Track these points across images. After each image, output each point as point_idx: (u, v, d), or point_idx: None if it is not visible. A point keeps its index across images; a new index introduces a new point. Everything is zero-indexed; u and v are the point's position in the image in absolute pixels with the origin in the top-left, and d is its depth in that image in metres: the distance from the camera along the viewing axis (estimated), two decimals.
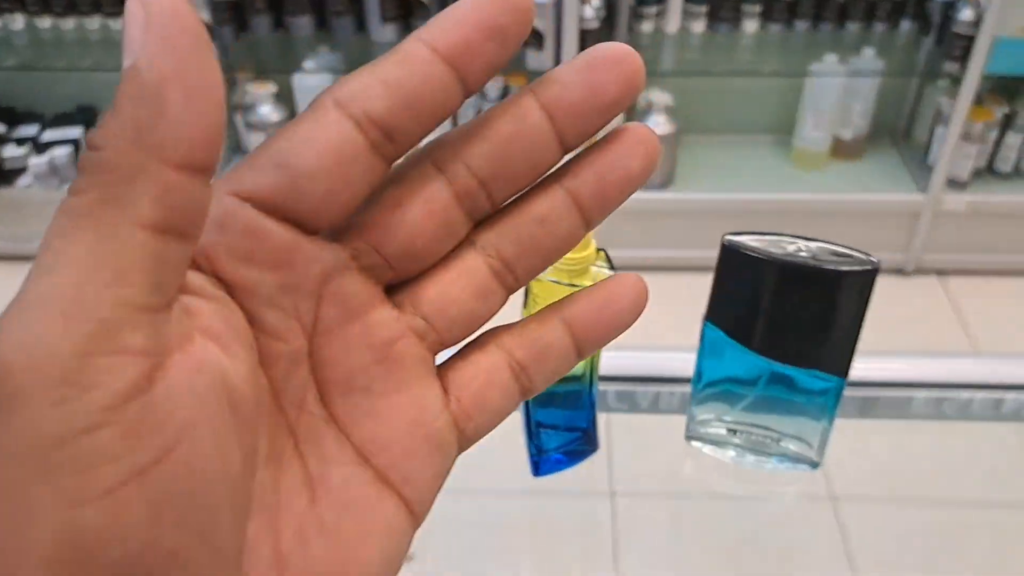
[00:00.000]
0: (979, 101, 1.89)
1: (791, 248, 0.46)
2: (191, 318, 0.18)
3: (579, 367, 0.53)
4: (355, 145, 0.19)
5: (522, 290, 0.47)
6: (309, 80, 1.93)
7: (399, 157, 0.20)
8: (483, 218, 0.21)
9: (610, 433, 0.59)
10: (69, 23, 1.97)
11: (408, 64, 0.19)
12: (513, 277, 0.22)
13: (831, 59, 1.89)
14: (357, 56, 1.99)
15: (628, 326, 0.23)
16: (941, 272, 2.02)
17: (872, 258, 0.46)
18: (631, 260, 1.65)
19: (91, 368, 0.15)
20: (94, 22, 1.96)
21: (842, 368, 0.49)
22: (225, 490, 0.17)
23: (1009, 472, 0.61)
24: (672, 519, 0.58)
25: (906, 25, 1.96)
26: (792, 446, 0.54)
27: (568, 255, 0.45)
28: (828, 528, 0.56)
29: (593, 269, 0.47)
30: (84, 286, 0.15)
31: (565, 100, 0.20)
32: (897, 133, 2.11)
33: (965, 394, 0.65)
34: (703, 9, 1.93)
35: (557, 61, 1.81)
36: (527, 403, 0.54)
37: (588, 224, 0.22)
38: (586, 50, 0.20)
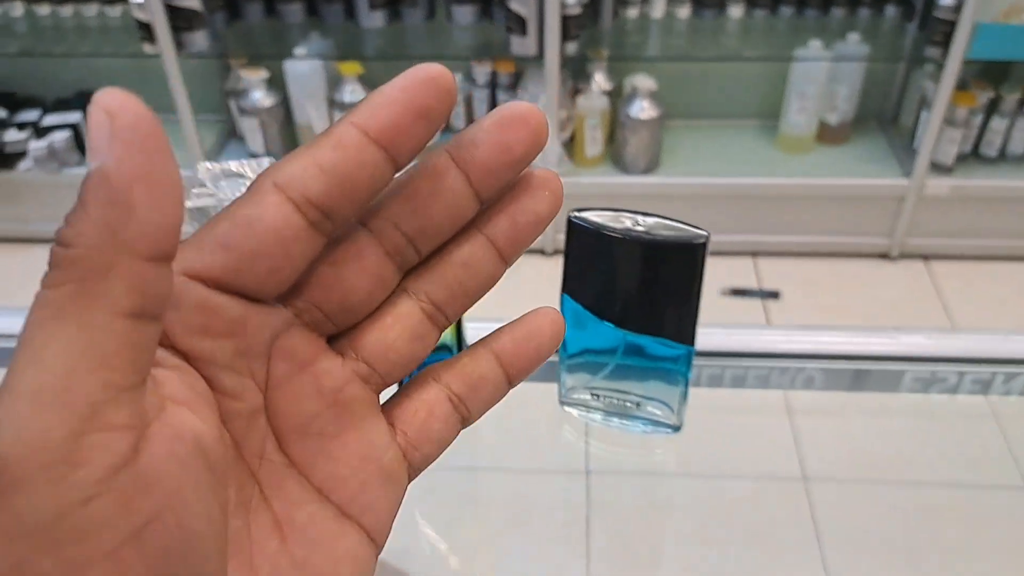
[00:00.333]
0: (964, 86, 1.89)
1: (628, 223, 0.49)
2: (159, 387, 0.19)
3: (446, 337, 0.57)
4: (295, 225, 0.20)
5: None
6: (300, 66, 1.97)
7: (336, 231, 0.21)
8: (412, 267, 0.24)
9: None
10: (67, 10, 2.02)
11: (342, 148, 0.20)
12: (444, 317, 0.24)
13: (816, 44, 1.89)
14: (347, 42, 2.03)
15: (551, 353, 0.26)
16: (925, 256, 2.03)
17: (701, 231, 0.48)
18: None
19: (82, 447, 0.17)
20: (91, 8, 2.02)
21: (687, 336, 0.52)
22: (211, 541, 0.19)
23: (983, 454, 0.63)
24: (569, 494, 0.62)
25: (891, 10, 1.96)
26: (655, 410, 0.57)
27: None
28: (797, 508, 0.59)
29: None
30: (71, 375, 0.17)
31: (478, 159, 0.22)
32: (885, 118, 2.12)
33: (934, 368, 0.67)
34: None
35: (540, 47, 1.83)
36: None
37: (506, 263, 0.24)
38: (495, 109, 0.22)
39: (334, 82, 2.00)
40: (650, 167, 2.00)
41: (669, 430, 0.58)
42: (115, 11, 2.01)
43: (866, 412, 0.68)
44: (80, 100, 2.14)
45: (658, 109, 1.93)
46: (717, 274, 2.00)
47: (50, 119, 2.06)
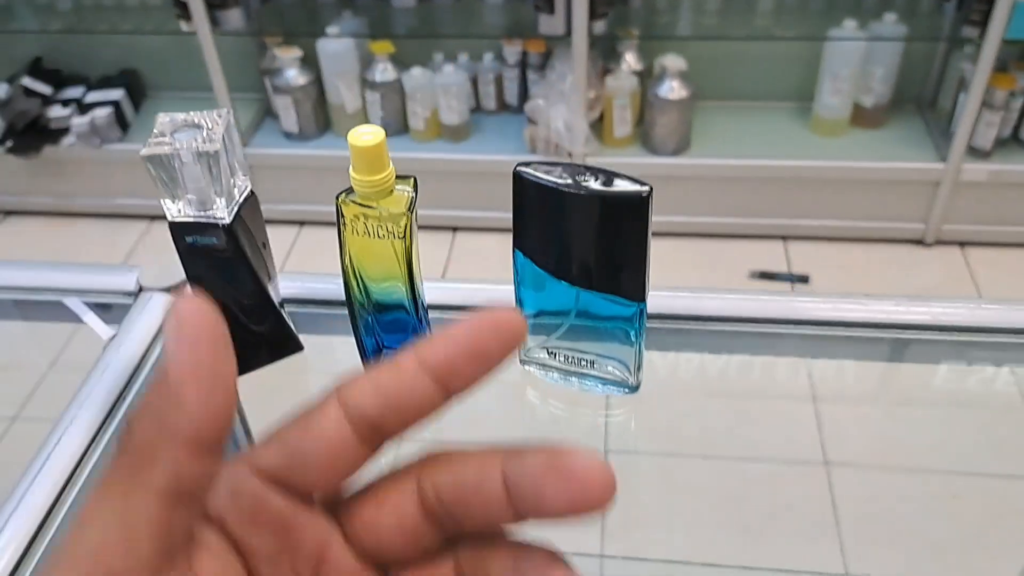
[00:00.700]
0: (1004, 68, 1.83)
1: (578, 178, 0.49)
2: (198, 570, 0.22)
3: (402, 296, 0.57)
4: (347, 439, 0.23)
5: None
6: (332, 45, 1.99)
7: (384, 445, 0.24)
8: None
9: None
10: None
11: (398, 373, 0.23)
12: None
13: (850, 24, 1.86)
14: (378, 21, 2.04)
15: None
16: (962, 243, 1.98)
17: (645, 186, 0.49)
18: None
19: None
20: None
21: (637, 294, 0.52)
22: None
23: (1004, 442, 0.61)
24: None
25: None
26: (613, 369, 0.57)
27: (369, 177, 0.50)
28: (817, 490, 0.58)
29: (396, 191, 0.51)
30: (101, 548, 0.20)
31: (530, 499, 0.22)
32: (923, 101, 2.07)
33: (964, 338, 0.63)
34: None
35: (568, 25, 1.83)
36: (362, 337, 0.58)
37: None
38: (559, 462, 0.22)
39: (366, 61, 2.02)
40: (680, 148, 1.99)
41: (626, 390, 0.58)
42: None
43: (892, 394, 0.66)
44: (123, 78, 2.19)
45: (688, 89, 1.92)
46: (746, 257, 1.98)
47: (93, 96, 2.12)
